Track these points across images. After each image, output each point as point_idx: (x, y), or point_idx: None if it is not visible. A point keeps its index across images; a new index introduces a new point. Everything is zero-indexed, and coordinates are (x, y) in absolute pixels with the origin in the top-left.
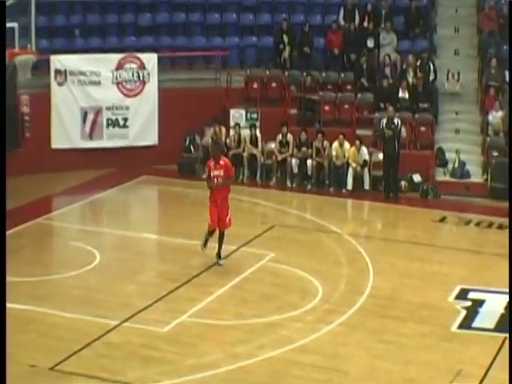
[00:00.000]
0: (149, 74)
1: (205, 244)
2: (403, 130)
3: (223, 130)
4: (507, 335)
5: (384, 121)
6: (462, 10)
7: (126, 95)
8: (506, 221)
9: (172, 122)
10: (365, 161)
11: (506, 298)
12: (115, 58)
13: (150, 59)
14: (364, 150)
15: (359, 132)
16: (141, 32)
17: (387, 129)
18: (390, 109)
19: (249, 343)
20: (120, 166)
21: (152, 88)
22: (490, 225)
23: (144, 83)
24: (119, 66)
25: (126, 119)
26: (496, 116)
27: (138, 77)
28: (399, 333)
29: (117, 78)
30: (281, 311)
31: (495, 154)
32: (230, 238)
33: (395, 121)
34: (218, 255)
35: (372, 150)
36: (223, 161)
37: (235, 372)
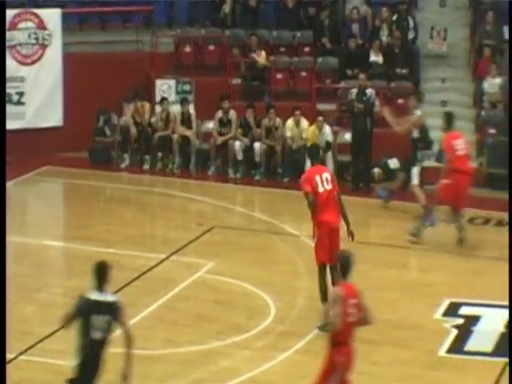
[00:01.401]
0: (50, 36)
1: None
2: (377, 103)
3: (147, 106)
4: (508, 360)
5: (354, 92)
6: None
7: (20, 62)
8: (505, 215)
9: (81, 97)
10: (328, 142)
11: (507, 313)
12: (7, 14)
13: (52, 16)
14: (327, 128)
15: (320, 106)
16: None
17: (357, 102)
18: (361, 76)
19: (182, 377)
20: (15, 153)
21: (54, 53)
22: (487, 221)
23: (44, 47)
24: (12, 26)
25: (21, 94)
26: (493, 83)
27: (37, 39)
28: (372, 360)
29: (9, 41)
30: (223, 336)
31: (492, 131)
32: (158, 245)
33: (367, 92)
34: None
35: (337, 129)
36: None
37: None
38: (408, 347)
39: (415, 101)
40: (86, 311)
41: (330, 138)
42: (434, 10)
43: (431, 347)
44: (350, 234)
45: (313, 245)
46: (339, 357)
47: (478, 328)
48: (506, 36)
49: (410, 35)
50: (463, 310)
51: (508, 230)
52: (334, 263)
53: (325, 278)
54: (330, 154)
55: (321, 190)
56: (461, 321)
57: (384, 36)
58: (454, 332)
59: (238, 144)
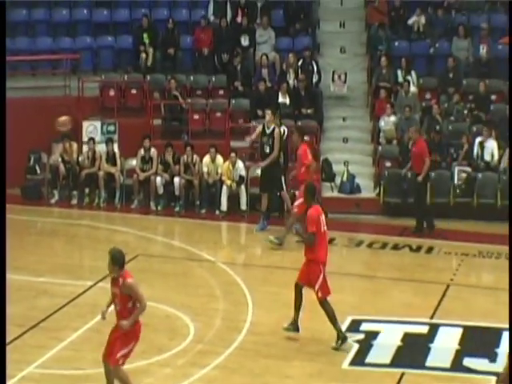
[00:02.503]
0: None
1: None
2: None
3: (74, 146)
4: (404, 370)
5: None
6: (349, 2)
7: None
8: (401, 240)
9: (13, 137)
10: (241, 177)
11: (403, 328)
12: None
13: None
14: (240, 164)
15: (234, 144)
16: None
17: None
18: (268, 113)
19: None
20: None
21: None
22: (384, 245)
23: None
24: None
25: None
26: (388, 121)
27: None
28: (284, 374)
29: None
30: (146, 355)
31: (388, 164)
32: (86, 273)
33: (281, 129)
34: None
35: (249, 164)
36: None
37: None
38: (315, 361)
39: (297, 136)
40: None
41: (243, 172)
42: (335, 56)
43: (336, 360)
44: None
45: (228, 270)
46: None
47: (377, 342)
48: (400, 79)
49: (314, 78)
50: (364, 326)
51: (401, 252)
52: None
53: (330, 309)
54: (243, 187)
55: (323, 229)
56: (362, 336)
57: (291, 79)
58: (356, 346)
59: (159, 179)
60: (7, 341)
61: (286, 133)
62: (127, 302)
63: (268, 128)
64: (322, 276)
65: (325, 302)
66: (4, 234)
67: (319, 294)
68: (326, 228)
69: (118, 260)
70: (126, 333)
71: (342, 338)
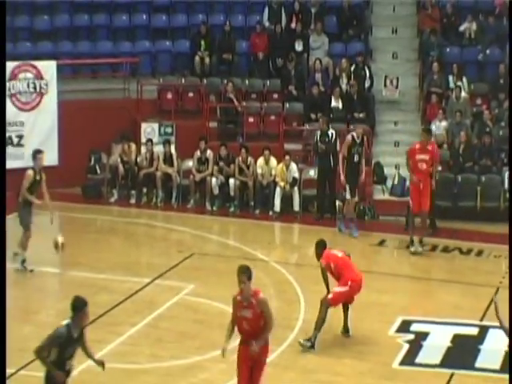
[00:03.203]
0: (47, 85)
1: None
2: (338, 143)
3: (133, 147)
4: (454, 371)
5: (318, 133)
6: (401, 9)
7: (20, 109)
8: (451, 242)
9: (74, 139)
10: (294, 179)
11: (453, 329)
12: (8, 66)
13: (49, 67)
14: (293, 166)
15: (287, 146)
16: (37, 37)
17: (321, 143)
18: (320, 120)
19: None
20: (15, 189)
21: (51, 100)
22: (435, 248)
23: (41, 95)
24: (13, 76)
25: (20, 136)
26: (439, 126)
27: (35, 88)
28: (335, 371)
29: (10, 90)
30: (202, 351)
31: (439, 168)
32: (143, 270)
33: (329, 133)
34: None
35: (302, 167)
36: None
37: None
38: (366, 360)
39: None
40: None
41: (296, 174)
42: (387, 62)
43: (386, 360)
44: None
45: (281, 269)
46: None
47: (427, 343)
48: (451, 85)
49: (366, 83)
50: (414, 327)
51: (451, 255)
52: None
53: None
54: (296, 188)
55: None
56: (412, 336)
57: (343, 84)
58: (406, 346)
59: (214, 180)
60: None
61: (334, 136)
62: (260, 321)
63: (358, 138)
64: (345, 289)
65: (326, 306)
66: (4, 235)
67: (329, 296)
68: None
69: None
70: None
71: (311, 343)
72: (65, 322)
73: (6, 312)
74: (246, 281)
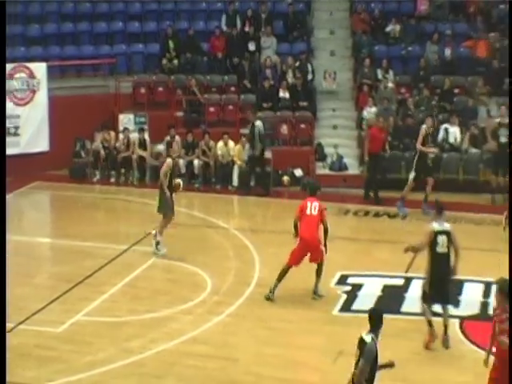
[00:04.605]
0: (38, 83)
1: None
2: (285, 127)
3: (112, 134)
4: (384, 315)
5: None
6: (337, 14)
7: (16, 104)
8: (381, 209)
9: (62, 128)
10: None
11: (382, 281)
12: (6, 67)
13: (40, 68)
14: (247, 146)
15: (243, 131)
16: (30, 42)
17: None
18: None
19: (142, 338)
20: (13, 172)
21: (42, 96)
22: (367, 213)
23: (34, 92)
24: (9, 76)
25: (17, 127)
26: (370, 111)
27: (28, 86)
28: (285, 319)
29: (7, 88)
30: (172, 305)
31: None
32: (122, 238)
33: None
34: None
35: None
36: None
37: (129, 366)
38: (311, 309)
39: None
40: None
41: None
42: (326, 58)
43: (328, 308)
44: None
45: (239, 235)
46: None
47: (361, 293)
48: (380, 76)
49: (309, 77)
50: (350, 280)
51: (383, 219)
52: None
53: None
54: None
55: (308, 213)
56: (349, 288)
57: (289, 78)
58: (344, 296)
59: (181, 161)
60: (57, 295)
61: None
62: None
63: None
64: (296, 246)
65: (287, 267)
66: (4, 232)
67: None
68: (313, 213)
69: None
70: None
71: (270, 295)
72: (368, 337)
73: (5, 307)
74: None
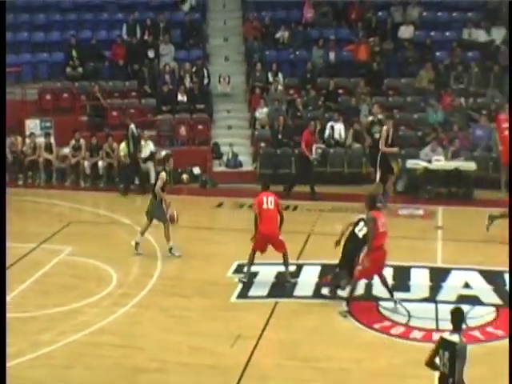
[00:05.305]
0: None
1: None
2: (183, 128)
3: (19, 139)
4: (278, 300)
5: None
6: (230, 22)
7: None
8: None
9: None
10: (151, 153)
11: (276, 268)
12: None
13: None
14: (150, 143)
15: (146, 133)
16: None
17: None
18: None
19: (51, 331)
20: None
21: None
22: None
23: None
24: None
25: None
26: (262, 112)
27: None
28: (186, 308)
29: None
30: (79, 299)
31: (262, 144)
32: (30, 237)
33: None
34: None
35: (158, 148)
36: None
37: (39, 358)
38: (210, 297)
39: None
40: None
41: (153, 149)
42: (221, 64)
43: (225, 296)
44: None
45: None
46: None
47: (256, 280)
48: (270, 79)
49: (205, 81)
50: (246, 269)
51: None
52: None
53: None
54: (152, 164)
55: (265, 207)
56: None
57: (187, 82)
58: (241, 284)
59: (86, 163)
60: None
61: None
62: None
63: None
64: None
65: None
66: (4, 231)
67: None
68: (270, 207)
69: None
70: None
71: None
72: (455, 337)
73: (5, 299)
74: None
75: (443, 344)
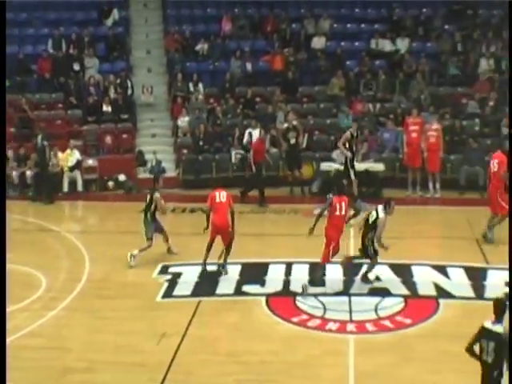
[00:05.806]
0: None
1: None
2: (108, 138)
3: None
4: (201, 298)
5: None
6: (152, 35)
7: None
8: (195, 205)
9: None
10: (78, 161)
11: (199, 268)
12: None
13: None
14: (76, 152)
15: (72, 142)
16: None
17: None
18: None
19: None
20: None
21: None
22: (184, 210)
23: None
24: None
25: None
26: (184, 120)
27: None
28: (114, 309)
29: None
30: (10, 304)
31: (185, 151)
32: None
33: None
34: None
35: (83, 157)
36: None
37: None
38: (136, 298)
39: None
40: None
41: (79, 157)
42: (144, 75)
43: (151, 296)
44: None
45: (70, 237)
46: None
47: (181, 280)
48: (191, 89)
49: (129, 92)
50: (171, 269)
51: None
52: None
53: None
54: (78, 173)
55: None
56: (170, 276)
57: (112, 93)
58: (166, 284)
59: (14, 173)
60: None
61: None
62: None
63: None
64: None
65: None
66: (4, 234)
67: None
68: (223, 200)
69: None
70: None
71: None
72: (498, 327)
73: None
74: None
75: (485, 334)
